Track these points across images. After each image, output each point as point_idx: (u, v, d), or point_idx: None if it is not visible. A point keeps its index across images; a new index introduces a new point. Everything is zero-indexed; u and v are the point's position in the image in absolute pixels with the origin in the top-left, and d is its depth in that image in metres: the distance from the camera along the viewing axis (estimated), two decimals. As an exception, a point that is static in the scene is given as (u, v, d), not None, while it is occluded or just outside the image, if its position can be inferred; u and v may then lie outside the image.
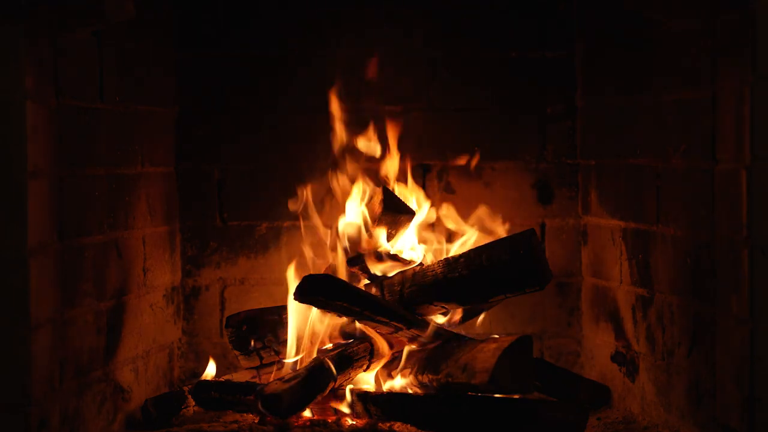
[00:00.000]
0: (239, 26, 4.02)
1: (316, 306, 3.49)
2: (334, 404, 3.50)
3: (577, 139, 4.05)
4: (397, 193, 3.79)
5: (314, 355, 3.56)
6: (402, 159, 3.92)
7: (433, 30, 4.02)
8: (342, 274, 3.70)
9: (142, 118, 3.73)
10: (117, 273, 3.52)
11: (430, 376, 3.41)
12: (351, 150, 3.90)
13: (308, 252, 3.87)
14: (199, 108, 4.04)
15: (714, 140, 3.07)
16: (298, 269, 3.76)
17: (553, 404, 3.48)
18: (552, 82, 4.04)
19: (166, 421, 3.56)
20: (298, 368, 3.52)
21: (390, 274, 3.67)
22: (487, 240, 3.67)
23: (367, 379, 3.61)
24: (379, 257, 3.68)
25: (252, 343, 3.68)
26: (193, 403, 3.61)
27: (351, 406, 3.47)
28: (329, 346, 3.62)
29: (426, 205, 3.84)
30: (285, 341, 3.67)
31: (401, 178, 3.90)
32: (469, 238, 3.78)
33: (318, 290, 3.41)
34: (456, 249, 3.77)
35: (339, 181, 3.87)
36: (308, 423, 3.36)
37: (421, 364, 3.47)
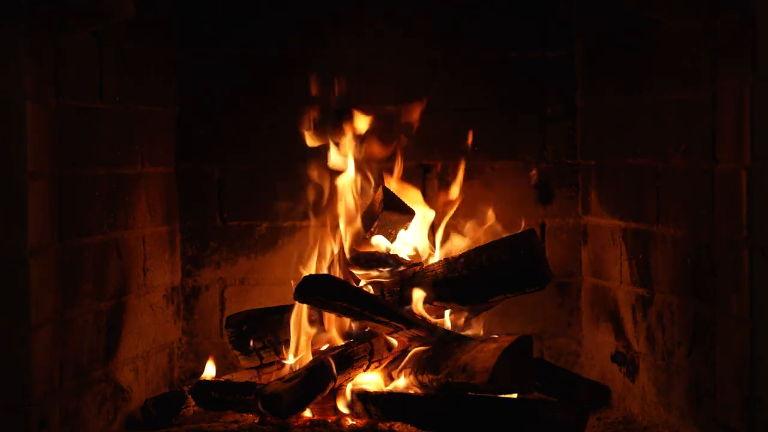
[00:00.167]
0: (239, 26, 4.02)
1: (316, 306, 3.49)
2: (334, 404, 3.50)
3: (577, 139, 4.05)
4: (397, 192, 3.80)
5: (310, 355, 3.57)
6: (402, 159, 3.92)
7: (433, 30, 4.02)
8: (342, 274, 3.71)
9: (142, 118, 3.73)
10: (117, 273, 3.52)
11: (430, 376, 3.41)
12: (351, 150, 3.90)
13: (309, 252, 3.88)
14: (199, 108, 4.04)
15: (714, 140, 3.07)
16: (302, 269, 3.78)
17: (553, 404, 3.48)
18: (552, 82, 4.04)
19: (166, 421, 3.56)
20: (297, 368, 3.52)
21: (390, 275, 3.67)
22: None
23: (368, 379, 3.61)
24: (379, 257, 3.67)
25: (252, 343, 3.68)
26: (193, 403, 3.61)
27: (351, 406, 3.47)
28: (327, 346, 3.63)
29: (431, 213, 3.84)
30: (285, 341, 3.67)
31: (402, 177, 3.91)
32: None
33: (318, 290, 3.41)
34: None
35: (339, 181, 3.86)
36: (308, 423, 3.36)
37: (421, 364, 3.47)
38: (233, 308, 3.96)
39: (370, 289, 3.67)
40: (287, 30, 4.02)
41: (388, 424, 3.37)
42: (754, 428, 2.92)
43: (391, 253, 3.72)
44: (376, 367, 3.59)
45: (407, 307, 3.57)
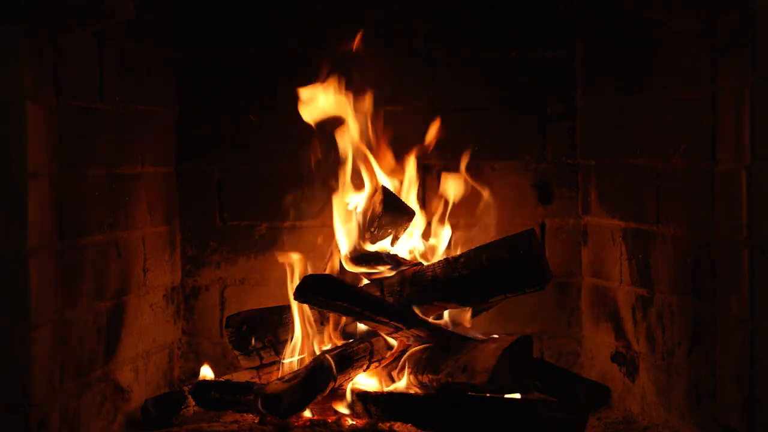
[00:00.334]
0: (239, 26, 4.02)
1: (316, 306, 3.49)
2: (334, 404, 3.50)
3: (577, 139, 4.05)
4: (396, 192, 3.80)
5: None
6: (402, 159, 3.92)
7: (433, 30, 4.02)
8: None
9: (142, 118, 3.73)
10: (117, 273, 3.52)
11: (430, 376, 3.41)
12: (351, 150, 3.90)
13: (308, 252, 3.88)
14: (199, 108, 4.04)
15: (714, 140, 3.07)
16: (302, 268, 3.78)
17: (553, 404, 3.48)
18: (552, 82, 4.04)
19: (166, 421, 3.56)
20: (297, 368, 3.52)
21: (390, 275, 3.67)
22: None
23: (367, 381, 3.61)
24: (379, 257, 3.67)
25: (252, 343, 3.68)
26: (193, 403, 3.61)
27: (351, 406, 3.47)
28: (328, 346, 3.63)
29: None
30: (285, 341, 3.67)
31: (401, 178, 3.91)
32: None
33: (318, 290, 3.41)
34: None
35: (339, 181, 3.86)
36: (308, 423, 3.36)
37: (421, 364, 3.47)
38: (233, 308, 3.96)
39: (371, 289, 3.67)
40: (287, 30, 4.02)
41: (388, 424, 3.37)
42: (754, 428, 2.92)
43: (391, 253, 3.72)
44: (376, 367, 3.59)
45: (407, 308, 3.57)
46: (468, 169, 3.95)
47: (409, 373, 3.49)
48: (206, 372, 3.77)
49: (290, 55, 4.02)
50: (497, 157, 4.04)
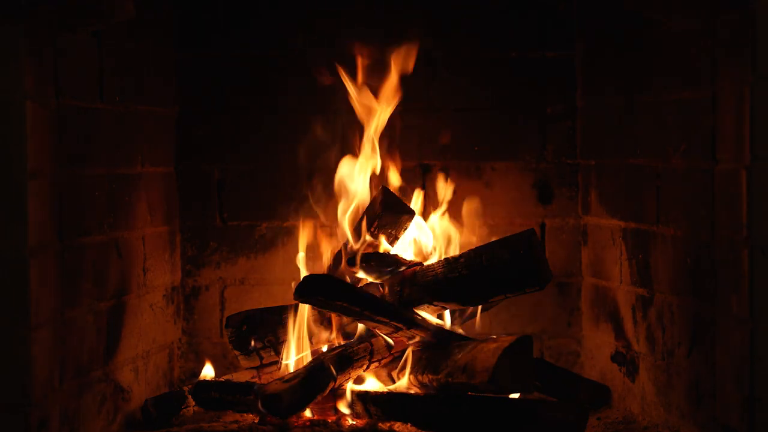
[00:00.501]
0: (239, 26, 4.02)
1: (316, 306, 3.49)
2: (334, 404, 3.50)
3: (577, 139, 4.05)
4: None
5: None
6: (402, 159, 3.93)
7: (433, 30, 4.02)
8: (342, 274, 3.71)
9: (142, 118, 3.73)
10: (117, 273, 3.52)
11: (430, 376, 3.41)
12: (352, 149, 3.90)
13: (309, 252, 3.88)
14: (199, 108, 4.04)
15: (714, 140, 3.07)
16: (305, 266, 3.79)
17: (553, 404, 3.48)
18: (552, 82, 4.04)
19: (166, 421, 3.56)
20: (298, 368, 3.52)
21: (390, 275, 3.67)
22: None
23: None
24: (379, 257, 3.67)
25: (252, 343, 3.68)
26: (193, 403, 3.61)
27: (351, 406, 3.47)
28: (328, 346, 3.63)
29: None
30: (285, 341, 3.67)
31: (402, 177, 3.91)
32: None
33: (318, 290, 3.41)
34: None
35: (339, 181, 3.86)
36: (308, 423, 3.36)
37: (421, 364, 3.47)
38: (233, 308, 3.96)
39: (372, 289, 3.67)
40: (287, 30, 4.02)
41: (388, 424, 3.37)
42: (754, 428, 2.92)
43: (391, 252, 3.72)
44: (376, 367, 3.59)
45: (407, 308, 3.57)
46: (468, 170, 3.96)
47: (409, 373, 3.49)
48: (208, 371, 3.77)
49: (290, 54, 4.02)
50: (497, 157, 4.04)
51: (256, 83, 4.03)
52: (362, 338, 3.59)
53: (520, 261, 3.40)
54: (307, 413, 3.43)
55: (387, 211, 3.70)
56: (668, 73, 3.37)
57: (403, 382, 3.51)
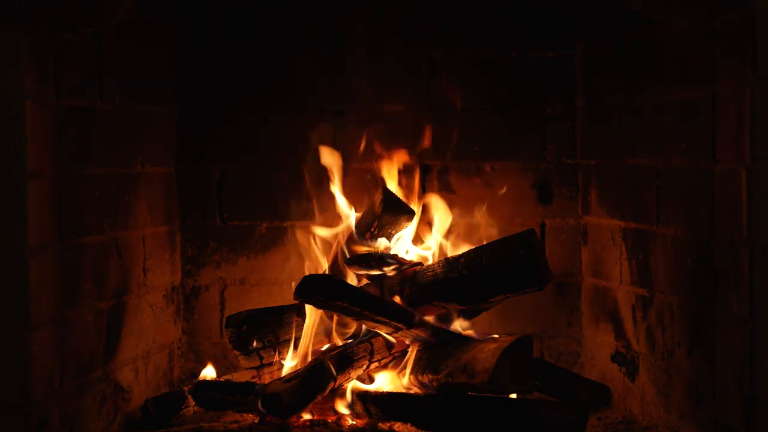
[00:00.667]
0: (239, 26, 4.02)
1: (316, 306, 3.49)
2: (334, 404, 3.50)
3: (577, 139, 4.05)
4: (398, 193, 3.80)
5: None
6: (402, 159, 3.93)
7: (433, 30, 4.02)
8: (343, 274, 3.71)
9: (142, 118, 3.73)
10: (117, 273, 3.52)
11: (430, 376, 3.41)
12: (352, 150, 3.90)
13: (309, 252, 3.88)
14: (199, 108, 4.04)
15: (714, 140, 3.07)
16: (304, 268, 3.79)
17: (553, 404, 3.48)
18: (552, 82, 4.04)
19: (166, 421, 3.56)
20: (298, 368, 3.52)
21: (390, 274, 3.67)
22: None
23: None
24: (379, 257, 3.67)
25: (252, 343, 3.68)
26: (193, 403, 3.61)
27: (351, 406, 3.47)
28: (328, 346, 3.63)
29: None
30: (285, 341, 3.67)
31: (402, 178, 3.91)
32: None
33: (318, 290, 3.41)
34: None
35: (339, 181, 3.86)
36: (308, 423, 3.36)
37: (421, 364, 3.47)
38: (233, 308, 3.96)
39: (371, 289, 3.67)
40: (287, 30, 4.02)
41: (388, 424, 3.37)
42: (754, 428, 2.92)
43: (391, 252, 3.72)
44: (376, 367, 3.59)
45: (407, 308, 3.57)
46: (468, 170, 3.96)
47: (409, 373, 3.49)
48: (209, 371, 3.77)
49: (290, 54, 4.02)
50: (497, 157, 4.04)
51: (256, 83, 4.03)
52: (362, 338, 3.58)
53: (520, 261, 3.40)
54: (307, 413, 3.43)
55: (387, 211, 3.70)
56: (668, 73, 3.37)
57: (403, 382, 3.51)
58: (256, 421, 3.43)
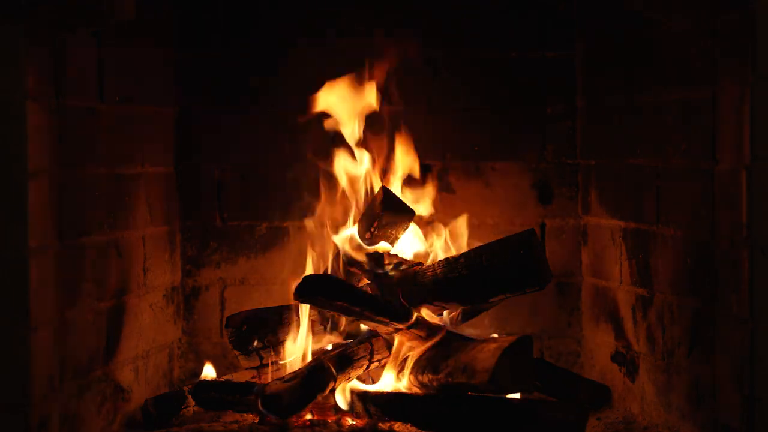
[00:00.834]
0: (239, 26, 4.02)
1: (316, 306, 3.49)
2: (334, 404, 3.50)
3: (577, 139, 4.05)
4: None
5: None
6: (402, 159, 3.93)
7: (433, 30, 4.02)
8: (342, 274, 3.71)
9: (142, 118, 3.73)
10: (117, 273, 3.52)
11: (430, 376, 3.41)
12: (352, 150, 3.90)
13: (309, 252, 3.88)
14: (199, 108, 4.04)
15: (714, 140, 3.07)
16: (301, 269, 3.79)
17: (553, 404, 3.48)
18: (552, 82, 4.04)
19: (166, 421, 3.55)
20: (298, 368, 3.52)
21: (390, 274, 3.67)
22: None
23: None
24: (379, 257, 3.67)
25: (252, 343, 3.68)
26: (193, 403, 3.61)
27: (351, 406, 3.47)
28: (329, 346, 3.63)
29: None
30: (285, 341, 3.67)
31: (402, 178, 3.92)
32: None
33: (318, 290, 3.41)
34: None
35: (340, 181, 3.86)
36: (308, 423, 3.36)
37: (421, 364, 3.47)
38: (233, 308, 3.96)
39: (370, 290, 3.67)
40: (287, 30, 4.02)
41: (388, 424, 3.37)
42: (754, 428, 2.92)
43: (391, 252, 3.72)
44: (376, 367, 3.59)
45: (407, 308, 3.57)
46: (468, 170, 3.96)
47: (409, 373, 3.49)
48: (209, 371, 3.77)
49: (290, 54, 4.02)
50: (497, 157, 4.04)
51: (256, 83, 4.03)
52: (362, 338, 3.58)
53: (520, 261, 3.40)
54: (307, 413, 3.43)
55: (387, 211, 3.70)
56: (668, 73, 3.37)
57: (403, 382, 3.51)
58: (256, 421, 3.43)
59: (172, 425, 3.53)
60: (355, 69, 3.91)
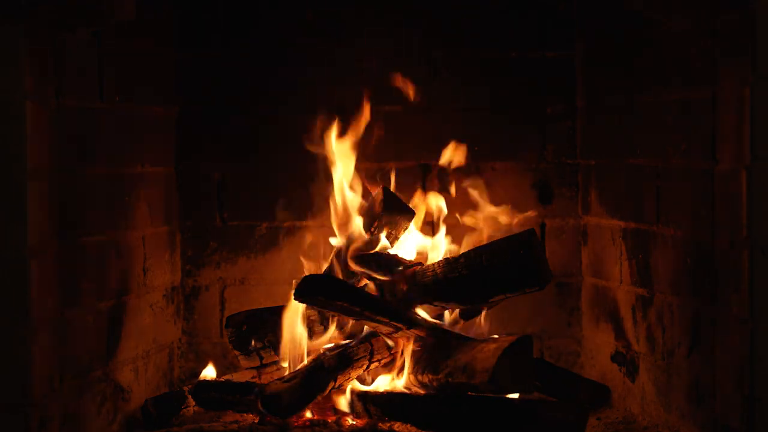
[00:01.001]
0: (239, 26, 4.02)
1: (316, 306, 3.49)
2: (334, 404, 3.50)
3: (577, 139, 4.05)
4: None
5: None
6: (402, 159, 3.93)
7: (433, 30, 4.02)
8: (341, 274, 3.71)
9: (142, 118, 3.73)
10: (117, 273, 3.52)
11: (430, 376, 3.41)
12: (352, 150, 3.90)
13: (309, 252, 3.88)
14: (199, 108, 4.04)
15: (714, 140, 3.07)
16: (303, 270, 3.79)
17: (553, 404, 3.48)
18: (552, 82, 4.04)
19: (166, 421, 3.56)
20: (297, 368, 3.52)
21: (390, 275, 3.67)
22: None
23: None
24: (379, 257, 3.67)
25: (252, 343, 3.68)
26: (193, 403, 3.61)
27: (351, 406, 3.47)
28: (329, 346, 3.63)
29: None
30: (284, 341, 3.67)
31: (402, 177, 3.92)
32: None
33: (318, 290, 3.41)
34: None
35: (339, 181, 3.86)
36: (308, 423, 3.36)
37: (421, 364, 3.47)
38: (233, 308, 3.96)
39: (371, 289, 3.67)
40: (287, 30, 4.02)
41: (388, 424, 3.37)
42: (754, 428, 2.92)
43: (391, 252, 3.72)
44: (376, 367, 3.58)
45: (407, 308, 3.57)
46: (468, 170, 3.96)
47: (409, 373, 3.49)
48: (209, 371, 3.77)
49: (290, 54, 4.02)
50: (497, 157, 4.04)
51: (255, 83, 4.03)
52: (362, 338, 3.58)
53: (520, 261, 3.40)
54: (307, 413, 3.43)
55: (387, 211, 3.70)
56: (668, 73, 3.37)
57: (403, 382, 3.51)
58: (256, 421, 3.43)
59: (172, 425, 3.53)
60: (355, 68, 3.92)
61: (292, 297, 3.46)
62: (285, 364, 3.62)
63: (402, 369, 3.54)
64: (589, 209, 3.99)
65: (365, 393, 3.49)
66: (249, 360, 3.71)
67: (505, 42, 4.03)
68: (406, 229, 3.78)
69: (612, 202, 3.82)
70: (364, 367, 3.55)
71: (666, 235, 3.40)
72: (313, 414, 3.45)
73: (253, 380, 3.67)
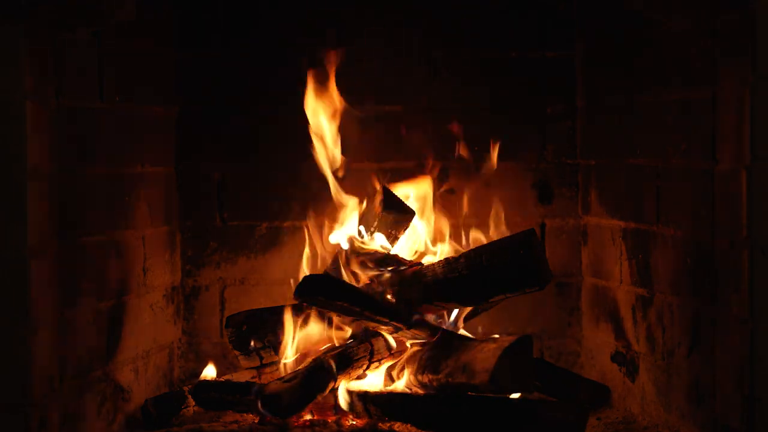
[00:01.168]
0: (239, 26, 4.02)
1: (316, 306, 3.49)
2: (334, 404, 3.50)
3: (577, 139, 4.05)
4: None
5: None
6: (402, 159, 3.93)
7: (433, 30, 4.02)
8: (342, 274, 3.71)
9: (142, 118, 3.73)
10: (117, 273, 3.52)
11: (430, 376, 3.41)
12: (351, 150, 3.90)
13: (309, 252, 3.88)
14: (199, 108, 4.04)
15: (714, 140, 3.07)
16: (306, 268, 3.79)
17: (553, 404, 3.48)
18: (552, 82, 4.04)
19: (166, 421, 3.56)
20: (297, 368, 3.52)
21: (390, 274, 3.67)
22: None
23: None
24: (379, 257, 3.67)
25: (252, 343, 3.68)
26: (193, 403, 3.61)
27: (351, 406, 3.47)
28: (329, 345, 3.63)
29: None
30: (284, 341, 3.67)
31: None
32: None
33: (318, 290, 3.41)
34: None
35: (339, 181, 3.86)
36: (308, 423, 3.36)
37: (421, 364, 3.47)
38: (233, 308, 3.96)
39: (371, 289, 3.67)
40: (287, 30, 4.02)
41: (388, 424, 3.37)
42: (754, 428, 2.92)
43: (391, 252, 3.72)
44: (376, 367, 3.59)
45: (407, 307, 3.57)
46: (468, 170, 3.96)
47: (410, 373, 3.49)
48: (209, 371, 3.77)
49: (290, 54, 4.02)
50: (497, 157, 4.03)
51: (256, 83, 4.03)
52: (362, 338, 3.58)
53: (520, 261, 3.40)
54: (307, 413, 3.43)
55: (387, 211, 3.70)
56: (668, 73, 3.37)
57: (403, 382, 3.51)
58: (256, 421, 3.43)
59: (172, 425, 3.53)
60: (354, 69, 3.92)
61: (293, 297, 3.46)
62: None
63: (402, 369, 3.54)
64: (589, 209, 3.99)
65: (365, 393, 3.49)
66: (249, 360, 3.70)
67: (505, 42, 4.03)
68: (406, 229, 3.78)
69: (612, 202, 3.83)
70: (364, 367, 3.55)
71: (666, 235, 3.40)
72: (313, 414, 3.45)
73: (253, 380, 3.67)
